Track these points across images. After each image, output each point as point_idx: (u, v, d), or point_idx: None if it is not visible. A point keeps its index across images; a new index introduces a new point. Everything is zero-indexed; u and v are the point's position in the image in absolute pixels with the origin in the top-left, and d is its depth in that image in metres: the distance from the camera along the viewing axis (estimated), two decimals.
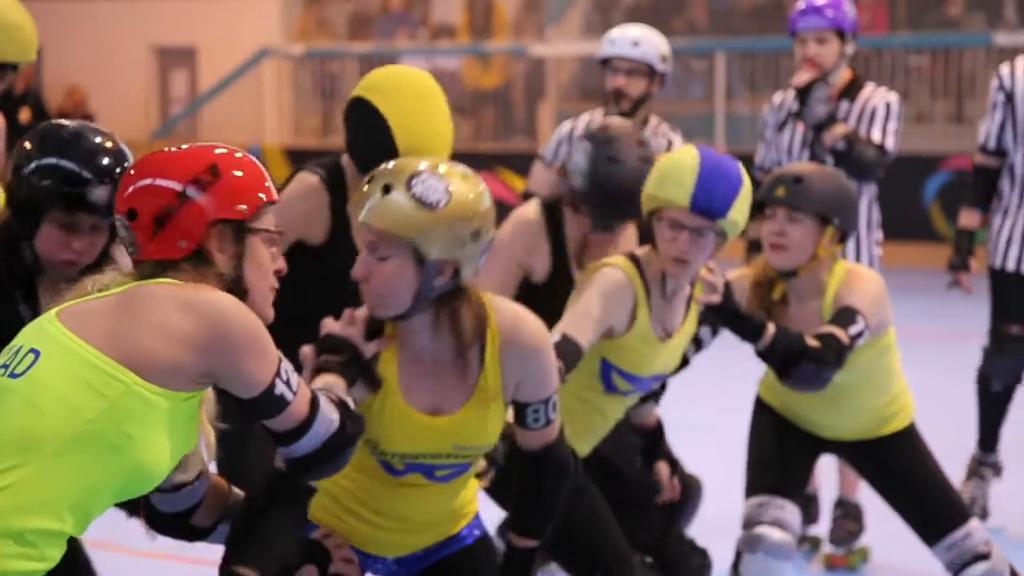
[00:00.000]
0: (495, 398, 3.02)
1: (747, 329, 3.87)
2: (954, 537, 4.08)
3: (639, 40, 5.46)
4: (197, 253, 2.56)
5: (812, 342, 3.87)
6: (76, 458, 2.40)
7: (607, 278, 3.68)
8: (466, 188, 2.92)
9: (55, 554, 2.42)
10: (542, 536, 3.19)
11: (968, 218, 5.71)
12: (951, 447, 5.32)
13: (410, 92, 3.85)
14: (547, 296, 4.14)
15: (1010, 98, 5.58)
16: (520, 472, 3.17)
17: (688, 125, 15.12)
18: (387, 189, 2.89)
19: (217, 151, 2.61)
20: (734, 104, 14.83)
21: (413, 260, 2.89)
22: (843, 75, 5.48)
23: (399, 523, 3.12)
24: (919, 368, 7.72)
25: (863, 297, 4.00)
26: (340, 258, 3.63)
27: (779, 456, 4.18)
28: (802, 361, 3.85)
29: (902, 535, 4.41)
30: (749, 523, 4.10)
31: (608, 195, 4.10)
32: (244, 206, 2.58)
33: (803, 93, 5.39)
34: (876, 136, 5.37)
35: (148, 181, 2.56)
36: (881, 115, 5.40)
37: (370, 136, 3.82)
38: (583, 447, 3.83)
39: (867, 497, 5.13)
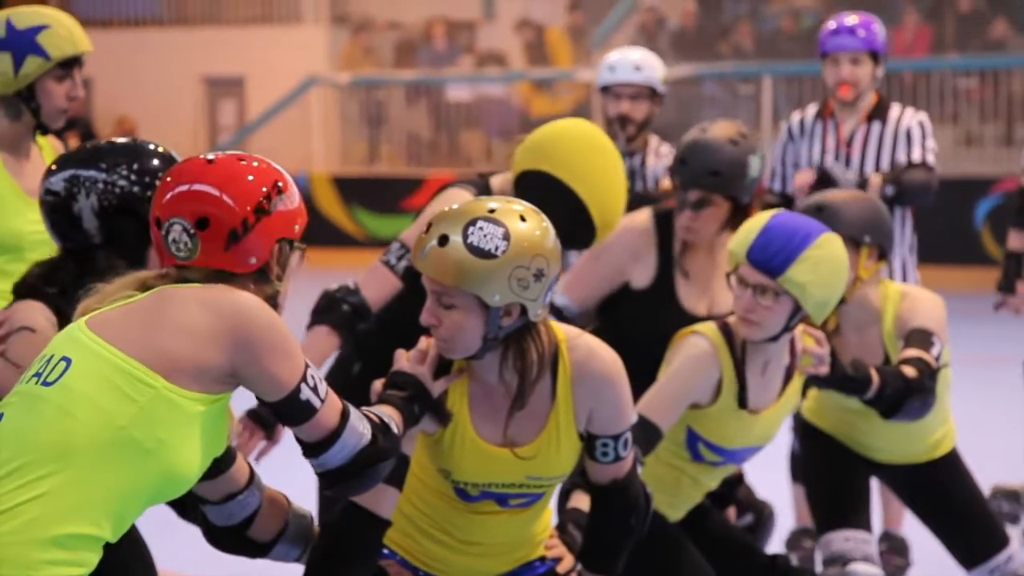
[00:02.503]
0: (568, 429, 3.01)
1: (856, 387, 3.79)
2: (996, 561, 4.08)
3: (641, 65, 5.45)
4: (260, 269, 2.58)
5: (910, 371, 3.82)
6: (110, 464, 2.41)
7: (692, 350, 3.62)
8: (525, 229, 2.89)
9: (92, 559, 2.43)
10: (612, 571, 3.15)
11: (1016, 240, 5.66)
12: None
13: (589, 154, 3.73)
14: (645, 303, 4.11)
15: None
16: (591, 506, 3.15)
17: None
18: (444, 240, 2.87)
19: (275, 169, 2.64)
20: (781, 128, 14.79)
21: (478, 306, 2.88)
22: (870, 98, 5.43)
23: (473, 547, 3.12)
24: (975, 393, 7.64)
25: (931, 318, 3.97)
26: None
27: (847, 487, 4.15)
28: (908, 397, 3.81)
29: (947, 568, 4.37)
30: (839, 559, 4.06)
31: (689, 156, 4.03)
32: (298, 226, 2.62)
33: (823, 183, 5.25)
34: (916, 156, 5.32)
35: (221, 194, 2.55)
36: (917, 135, 5.35)
37: (561, 214, 3.41)
38: (674, 514, 3.76)
39: (912, 530, 5.08)
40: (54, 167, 3.04)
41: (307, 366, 2.56)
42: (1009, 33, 14.89)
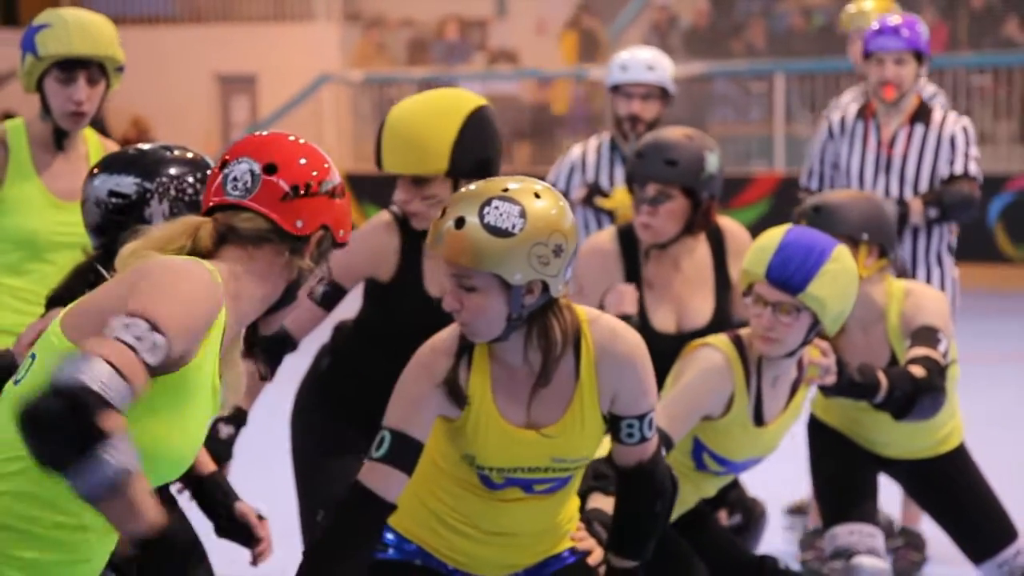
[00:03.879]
0: (592, 410, 3.01)
1: (865, 392, 3.80)
2: (1005, 555, 4.08)
3: (653, 64, 5.43)
4: (297, 240, 2.53)
5: (918, 371, 3.83)
6: None
7: (705, 363, 3.62)
8: (542, 206, 2.89)
9: (79, 545, 2.40)
10: (641, 557, 3.15)
11: None
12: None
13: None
14: None
15: None
16: (617, 491, 3.15)
17: (747, 147, 15.14)
18: (460, 222, 2.87)
19: (337, 172, 2.64)
20: (793, 126, 14.77)
21: (499, 286, 2.87)
22: (912, 99, 5.39)
23: (501, 538, 3.11)
24: (988, 390, 7.63)
25: (936, 315, 3.97)
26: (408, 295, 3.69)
27: (854, 481, 4.16)
28: (918, 398, 3.81)
29: (964, 564, 4.36)
30: (845, 553, 4.06)
31: (645, 151, 4.06)
32: (344, 232, 2.60)
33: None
34: (958, 167, 5.27)
35: (301, 158, 2.56)
36: (961, 142, 5.30)
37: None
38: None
39: (930, 527, 5.08)
40: (106, 168, 3.02)
41: (159, 320, 2.30)
42: (1022, 31, 14.86)
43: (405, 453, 2.94)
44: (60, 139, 4.09)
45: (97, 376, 2.19)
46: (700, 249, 4.15)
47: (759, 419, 3.67)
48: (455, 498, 3.09)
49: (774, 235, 3.62)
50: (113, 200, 2.98)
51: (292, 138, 2.62)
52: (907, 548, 5.28)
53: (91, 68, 4.02)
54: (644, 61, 5.44)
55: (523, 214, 2.86)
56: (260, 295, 2.53)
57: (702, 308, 4.12)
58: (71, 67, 3.99)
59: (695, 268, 4.15)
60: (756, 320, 3.58)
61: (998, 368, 9.12)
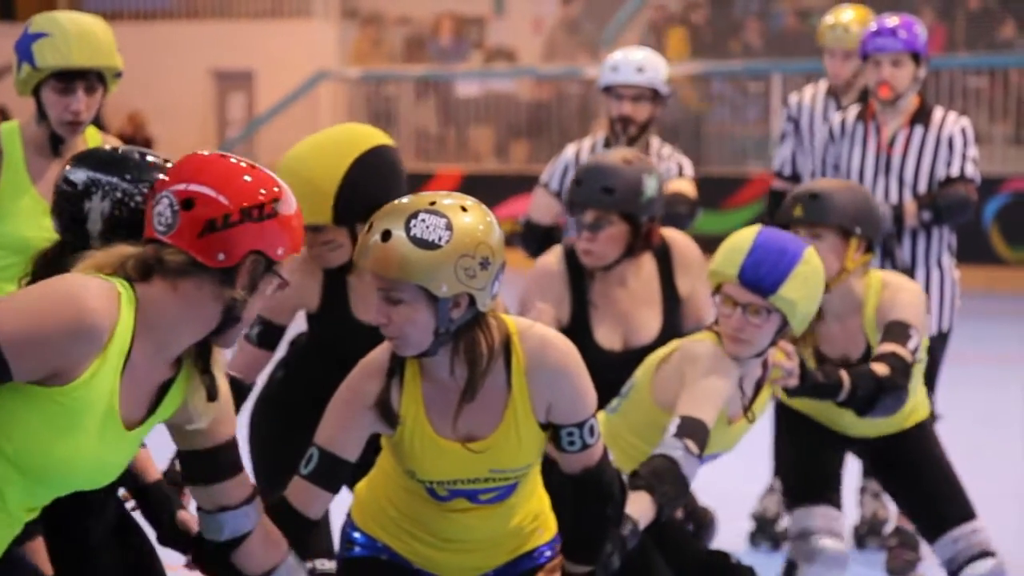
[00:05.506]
0: (526, 420, 3.02)
1: (827, 393, 3.84)
2: (962, 531, 4.08)
3: (644, 66, 5.41)
4: (225, 271, 2.58)
5: (882, 370, 3.86)
6: None
7: (708, 350, 3.62)
8: (469, 220, 2.91)
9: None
10: (594, 562, 3.16)
11: None
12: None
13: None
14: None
15: None
16: (569, 498, 3.16)
17: (744, 147, 15.13)
18: (387, 235, 2.89)
19: (276, 188, 2.64)
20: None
21: (426, 299, 2.89)
22: (912, 100, 5.39)
23: (456, 544, 3.13)
24: (984, 391, 7.64)
25: (910, 309, 3.99)
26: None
27: (817, 463, 4.18)
28: (880, 395, 3.84)
29: None
30: (804, 534, 4.09)
31: (583, 176, 4.09)
32: (282, 250, 2.62)
33: None
34: (955, 169, 5.27)
35: (210, 191, 2.58)
36: (959, 143, 5.30)
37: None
38: None
39: None
40: (79, 159, 3.01)
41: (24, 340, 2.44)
42: (1018, 33, 14.88)
43: (331, 472, 2.98)
44: (56, 145, 4.06)
45: None
46: (647, 265, 4.21)
47: (728, 417, 3.69)
48: (409, 507, 3.12)
49: (745, 236, 3.64)
50: (64, 187, 2.94)
51: (223, 163, 2.62)
52: (901, 547, 5.28)
53: (89, 78, 3.97)
54: (635, 63, 5.41)
55: (449, 226, 2.88)
56: (189, 322, 2.59)
57: (649, 324, 4.17)
58: (70, 78, 3.94)
59: (642, 284, 4.20)
60: (725, 321, 3.61)
61: (993, 370, 9.13)
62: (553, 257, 4.24)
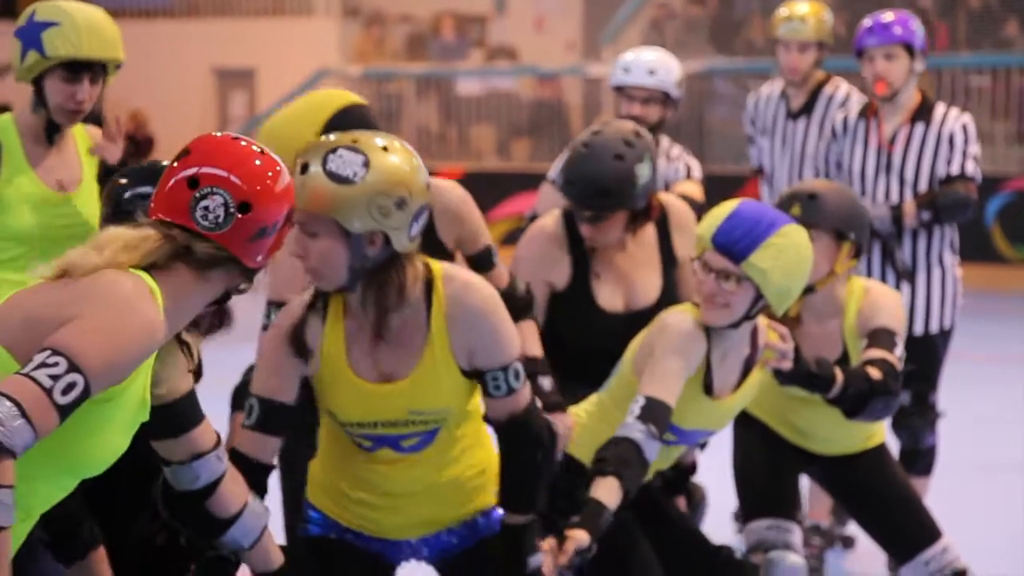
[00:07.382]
0: (446, 362, 3.04)
1: (819, 384, 3.82)
2: (932, 551, 4.06)
3: (655, 69, 5.39)
4: (251, 269, 2.63)
5: (874, 374, 3.85)
6: None
7: (683, 325, 3.63)
8: (390, 160, 2.93)
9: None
10: (530, 511, 3.18)
11: None
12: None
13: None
14: (565, 305, 4.12)
15: None
16: (499, 447, 3.19)
17: (746, 145, 15.11)
18: (304, 168, 2.93)
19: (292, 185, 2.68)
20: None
21: (340, 234, 2.92)
22: (913, 96, 5.36)
23: (392, 499, 3.16)
24: (986, 391, 7.64)
25: (892, 316, 4.00)
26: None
27: (776, 477, 4.16)
28: (871, 398, 3.83)
29: None
30: (761, 547, 4.07)
31: (575, 178, 4.04)
32: (260, 257, 2.65)
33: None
34: (955, 167, 5.25)
35: (267, 198, 2.62)
36: (959, 140, 5.28)
37: None
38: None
39: None
40: (145, 176, 3.06)
41: (79, 359, 2.38)
42: (1020, 32, 14.87)
43: (274, 418, 3.04)
44: (53, 133, 4.08)
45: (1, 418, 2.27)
46: (646, 228, 4.20)
47: (708, 389, 3.68)
48: (344, 464, 3.16)
49: (728, 204, 3.64)
50: (144, 202, 2.94)
51: (259, 162, 2.62)
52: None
53: (95, 69, 4.03)
54: (646, 65, 5.40)
55: (366, 164, 2.91)
56: (201, 305, 2.63)
57: (650, 286, 4.16)
58: (77, 68, 3.99)
59: (641, 247, 4.20)
60: (699, 286, 3.62)
61: (994, 369, 9.13)
62: (551, 219, 4.21)
